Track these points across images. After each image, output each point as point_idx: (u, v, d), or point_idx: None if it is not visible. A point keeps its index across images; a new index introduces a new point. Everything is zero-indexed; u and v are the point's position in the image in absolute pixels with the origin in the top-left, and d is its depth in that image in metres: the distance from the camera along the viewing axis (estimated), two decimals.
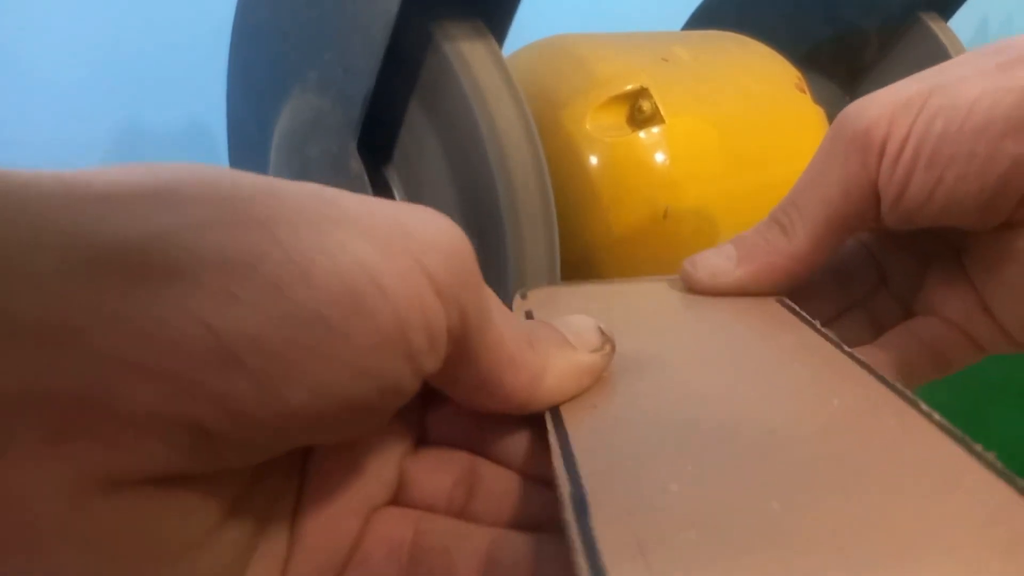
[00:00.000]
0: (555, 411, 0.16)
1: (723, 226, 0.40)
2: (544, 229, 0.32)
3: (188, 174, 0.13)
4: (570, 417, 0.16)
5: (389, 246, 0.13)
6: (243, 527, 0.14)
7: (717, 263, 0.23)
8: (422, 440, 0.18)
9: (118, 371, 0.11)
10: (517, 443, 0.17)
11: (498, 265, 0.32)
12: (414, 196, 0.35)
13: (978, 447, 0.15)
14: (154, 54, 0.58)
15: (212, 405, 0.12)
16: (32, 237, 0.11)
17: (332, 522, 0.15)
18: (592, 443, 0.15)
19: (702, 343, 0.21)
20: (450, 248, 0.14)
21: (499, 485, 0.17)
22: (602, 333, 0.18)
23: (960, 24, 0.53)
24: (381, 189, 0.35)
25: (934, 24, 0.51)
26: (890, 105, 0.21)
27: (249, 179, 0.13)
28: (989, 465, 0.14)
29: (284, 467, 0.15)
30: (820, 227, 0.22)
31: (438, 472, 0.17)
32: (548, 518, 0.16)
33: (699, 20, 0.60)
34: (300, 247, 0.12)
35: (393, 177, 0.36)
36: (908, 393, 0.17)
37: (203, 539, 0.13)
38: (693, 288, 0.24)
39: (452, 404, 0.18)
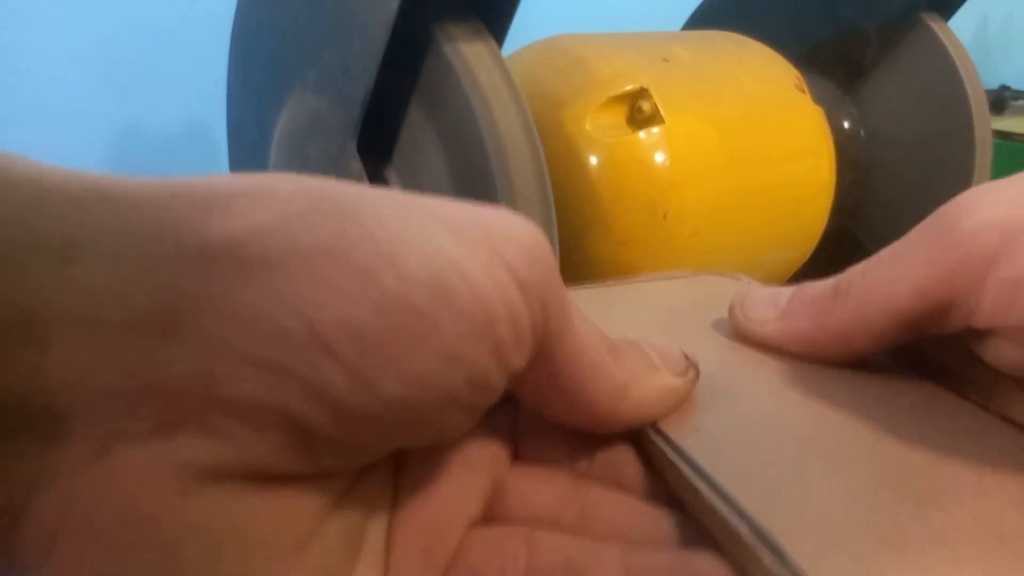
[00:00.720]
0: (663, 435, 0.16)
1: (723, 226, 0.40)
2: (544, 229, 0.32)
3: (279, 177, 0.13)
4: (684, 442, 0.15)
5: (471, 239, 0.13)
6: (343, 532, 0.14)
7: (763, 311, 0.21)
8: (517, 458, 0.17)
9: (221, 360, 0.11)
10: (618, 461, 0.17)
11: None
12: None
13: None
14: (154, 54, 0.58)
15: (308, 396, 0.12)
16: (151, 228, 0.11)
17: (427, 531, 0.15)
18: (725, 470, 0.14)
19: (742, 352, 0.21)
20: (530, 244, 0.14)
21: (609, 503, 0.16)
22: (687, 358, 0.18)
23: (960, 24, 0.53)
24: None
25: (934, 24, 0.51)
26: (1011, 211, 0.16)
27: (334, 181, 0.13)
28: None
29: (379, 475, 0.15)
30: (874, 312, 0.18)
31: (541, 485, 0.17)
32: (670, 535, 0.15)
33: (699, 20, 0.60)
34: (387, 236, 0.12)
35: (393, 177, 0.36)
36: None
37: (303, 541, 0.13)
38: (734, 327, 0.21)
39: (544, 422, 0.17)
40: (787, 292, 0.21)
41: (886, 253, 0.18)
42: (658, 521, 0.16)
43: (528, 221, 0.15)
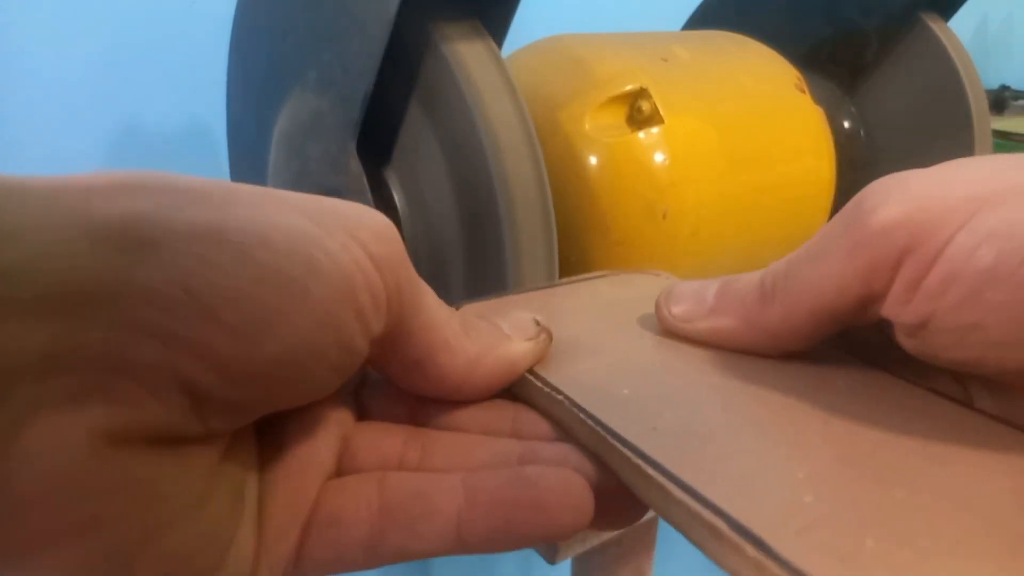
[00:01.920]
0: (620, 437, 0.16)
1: (723, 226, 0.40)
2: (543, 229, 0.32)
3: (149, 173, 0.15)
4: (643, 442, 0.16)
5: (326, 223, 0.15)
6: (229, 490, 0.15)
7: (689, 308, 0.21)
8: (363, 419, 0.19)
9: (121, 331, 0.12)
10: (458, 414, 0.19)
11: (497, 266, 0.32)
12: (413, 196, 0.35)
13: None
14: (154, 54, 0.58)
15: (198, 359, 0.13)
16: (44, 218, 0.12)
17: (290, 486, 0.16)
18: (689, 466, 0.15)
19: (673, 347, 0.21)
20: (379, 228, 0.16)
21: (452, 440, 0.18)
22: (537, 323, 0.20)
23: (960, 24, 0.52)
24: (380, 189, 0.35)
25: (934, 24, 0.51)
26: (920, 206, 0.16)
27: (202, 179, 0.15)
28: None
29: (247, 440, 0.16)
30: (801, 313, 0.18)
31: (385, 435, 0.18)
32: (508, 459, 0.17)
33: (699, 20, 0.60)
34: (256, 220, 0.14)
35: (392, 177, 0.36)
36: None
37: (202, 498, 0.14)
38: (660, 324, 0.21)
39: (388, 386, 0.19)
40: (713, 287, 0.21)
41: (806, 251, 0.18)
42: (495, 448, 0.17)
43: (377, 211, 0.17)
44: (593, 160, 0.37)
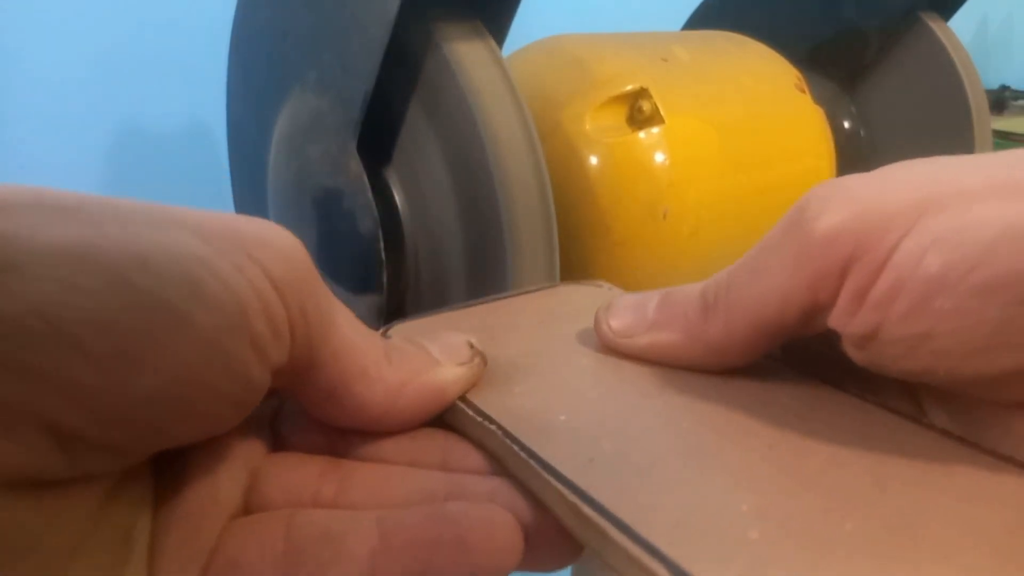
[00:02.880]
0: (549, 466, 0.15)
1: (723, 226, 0.40)
2: (543, 229, 0.32)
3: (16, 189, 0.13)
4: (579, 477, 0.15)
5: (221, 243, 0.14)
6: (112, 535, 0.14)
7: (629, 323, 0.20)
8: (277, 449, 0.18)
9: None
10: (383, 444, 0.17)
11: (498, 265, 0.32)
12: (413, 196, 0.35)
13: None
14: (154, 54, 0.58)
15: (58, 395, 0.12)
16: None
17: (187, 526, 0.15)
18: (624, 500, 0.14)
19: (612, 363, 0.20)
20: (284, 247, 0.15)
21: (373, 472, 0.17)
22: (471, 346, 0.18)
23: (960, 24, 0.53)
24: (380, 189, 0.35)
25: (934, 24, 0.51)
26: (863, 212, 0.15)
27: (79, 194, 0.13)
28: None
29: (142, 475, 0.15)
30: (744, 327, 0.17)
31: (300, 467, 0.17)
32: (431, 494, 0.16)
33: (699, 20, 0.60)
34: (134, 239, 0.13)
35: (392, 177, 0.36)
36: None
37: (75, 546, 0.13)
38: (599, 340, 0.20)
39: (305, 415, 0.17)
40: (654, 299, 0.20)
41: (747, 262, 0.17)
42: (419, 482, 0.16)
43: (283, 229, 0.15)
44: (593, 160, 0.37)
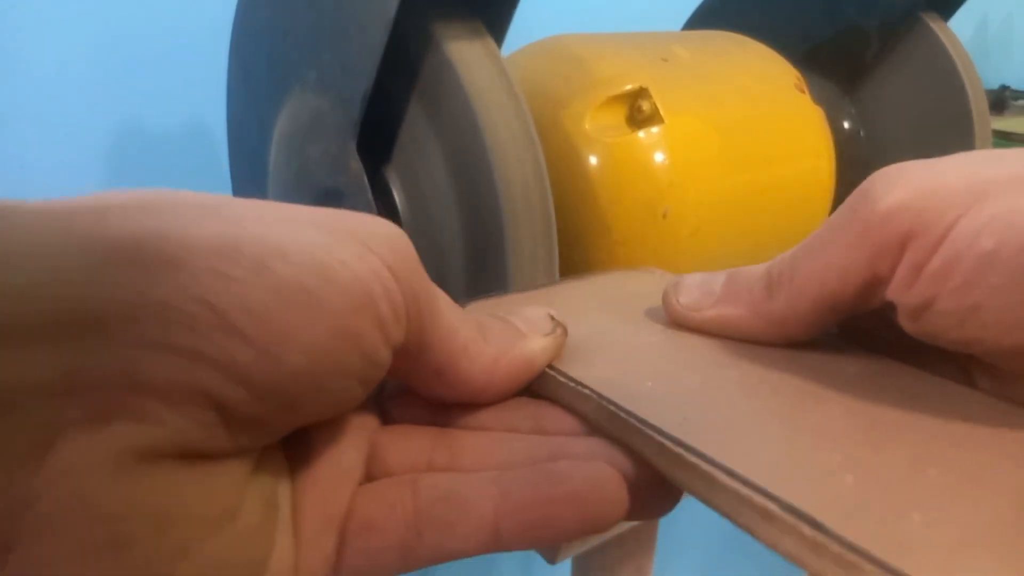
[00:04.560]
0: (651, 425, 0.16)
1: (723, 226, 0.40)
2: (543, 229, 0.32)
3: (159, 192, 0.15)
4: (670, 426, 0.16)
5: (340, 235, 0.15)
6: (261, 502, 0.15)
7: (696, 298, 0.21)
8: (386, 423, 0.19)
9: (140, 351, 0.12)
10: (481, 414, 0.19)
11: (498, 265, 0.32)
12: (413, 196, 0.35)
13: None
14: (154, 54, 0.58)
15: (222, 374, 0.13)
16: (60, 239, 0.12)
17: (323, 494, 0.16)
18: (721, 446, 0.15)
19: (683, 336, 0.21)
20: (392, 238, 0.16)
21: (480, 439, 0.18)
22: (552, 319, 0.20)
23: (960, 24, 0.52)
24: (381, 189, 0.35)
25: (934, 24, 0.51)
26: (924, 193, 0.16)
27: (210, 195, 0.15)
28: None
29: (276, 451, 0.16)
30: (806, 302, 0.19)
31: (412, 438, 0.18)
32: (535, 457, 0.17)
33: (699, 20, 0.60)
34: (270, 234, 0.14)
35: (393, 177, 0.36)
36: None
37: (233, 511, 0.14)
38: (668, 314, 0.22)
39: (410, 391, 0.19)
40: (720, 277, 0.21)
41: (812, 240, 0.19)
42: (524, 446, 0.17)
43: (388, 222, 0.17)
44: (593, 160, 0.37)
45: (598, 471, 0.16)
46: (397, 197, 0.35)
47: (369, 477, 0.17)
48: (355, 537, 0.16)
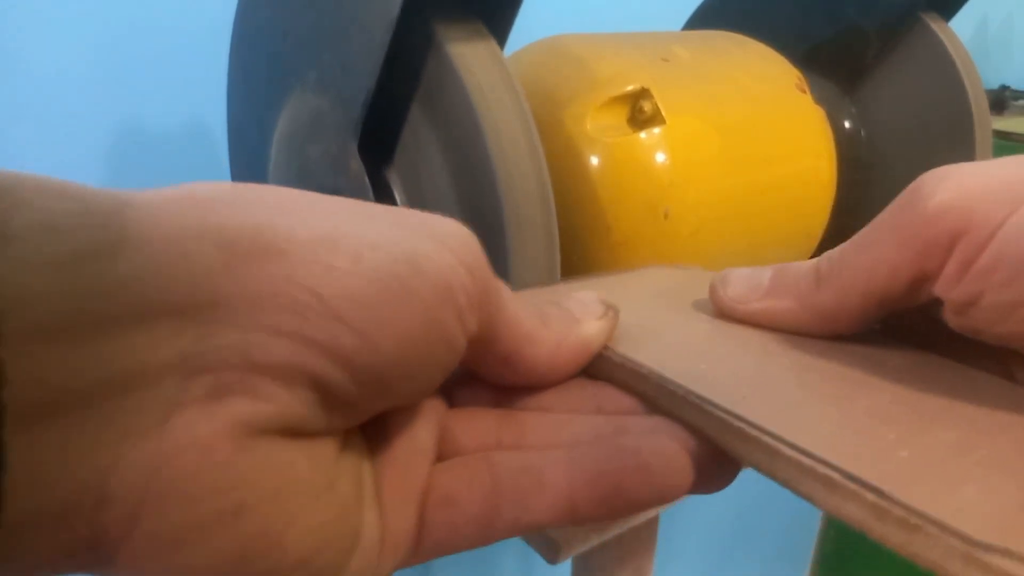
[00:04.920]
0: (711, 402, 0.17)
1: (724, 226, 0.40)
2: (544, 230, 0.32)
3: (236, 187, 0.15)
4: (701, 388, 0.17)
5: (419, 233, 0.16)
6: (351, 477, 0.16)
7: (744, 291, 0.22)
8: (452, 406, 0.20)
9: (253, 333, 0.13)
10: (542, 396, 0.19)
11: (499, 266, 0.32)
12: (414, 197, 0.35)
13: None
14: (154, 54, 0.58)
15: (327, 358, 0.14)
16: (177, 229, 0.13)
17: (401, 472, 0.17)
18: (762, 414, 0.16)
19: (730, 326, 0.22)
20: (463, 235, 0.17)
21: (544, 420, 0.19)
22: (603, 302, 0.20)
23: (960, 24, 0.53)
24: (381, 190, 0.35)
25: (935, 24, 0.51)
26: (974, 190, 0.17)
27: (298, 191, 0.16)
28: None
29: (356, 435, 0.17)
30: (854, 296, 0.19)
31: (478, 419, 0.19)
32: (602, 433, 0.18)
33: (699, 20, 0.60)
34: (360, 228, 0.15)
35: (394, 178, 0.36)
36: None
37: (331, 481, 0.15)
38: (715, 306, 0.23)
39: (470, 376, 0.20)
40: (767, 272, 0.22)
41: (861, 237, 0.19)
42: (588, 424, 0.18)
43: (455, 221, 0.17)
44: (594, 160, 0.37)
45: (664, 444, 0.16)
46: (398, 198, 0.35)
47: (441, 457, 0.18)
48: (435, 511, 0.17)
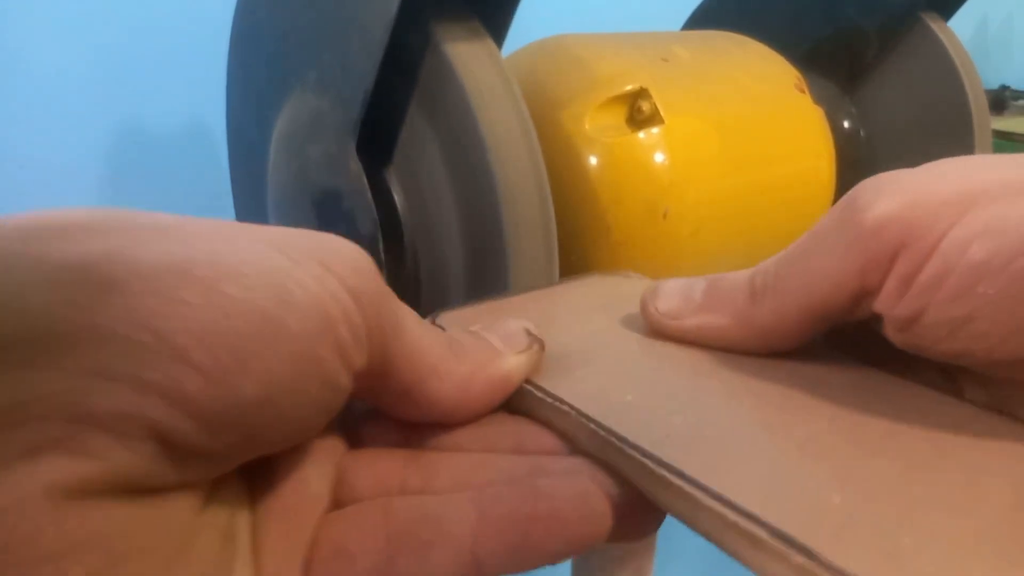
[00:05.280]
0: (631, 444, 0.16)
1: (723, 226, 0.40)
2: (543, 230, 0.32)
3: (107, 212, 0.14)
4: (658, 448, 0.15)
5: (299, 256, 0.14)
6: (217, 533, 0.14)
7: (675, 305, 0.20)
8: (354, 447, 0.18)
9: (83, 379, 0.12)
10: (457, 434, 0.18)
11: (498, 266, 0.32)
12: (413, 197, 0.35)
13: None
14: (154, 54, 0.58)
15: (169, 404, 0.12)
16: (4, 257, 0.12)
17: (286, 523, 0.15)
18: (685, 456, 0.15)
19: (661, 346, 0.21)
20: (354, 258, 0.15)
21: (456, 460, 0.17)
22: (529, 333, 0.19)
23: (960, 24, 0.52)
24: (380, 191, 0.35)
25: (934, 24, 0.51)
26: (913, 203, 0.16)
27: (163, 214, 0.14)
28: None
29: (234, 478, 0.15)
30: (793, 311, 0.18)
31: (382, 460, 0.17)
32: (513, 476, 0.16)
33: (699, 20, 0.60)
34: (224, 254, 0.13)
35: (392, 178, 0.36)
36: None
37: (185, 545, 0.13)
38: (646, 321, 0.21)
39: (380, 413, 0.18)
40: (699, 285, 0.21)
41: (797, 248, 0.18)
42: (502, 465, 0.17)
43: (348, 241, 0.16)
44: (593, 160, 0.37)
45: (581, 487, 0.15)
46: (396, 198, 0.35)
47: (337, 504, 0.17)
48: (325, 565, 0.15)
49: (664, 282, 0.21)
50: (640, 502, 0.15)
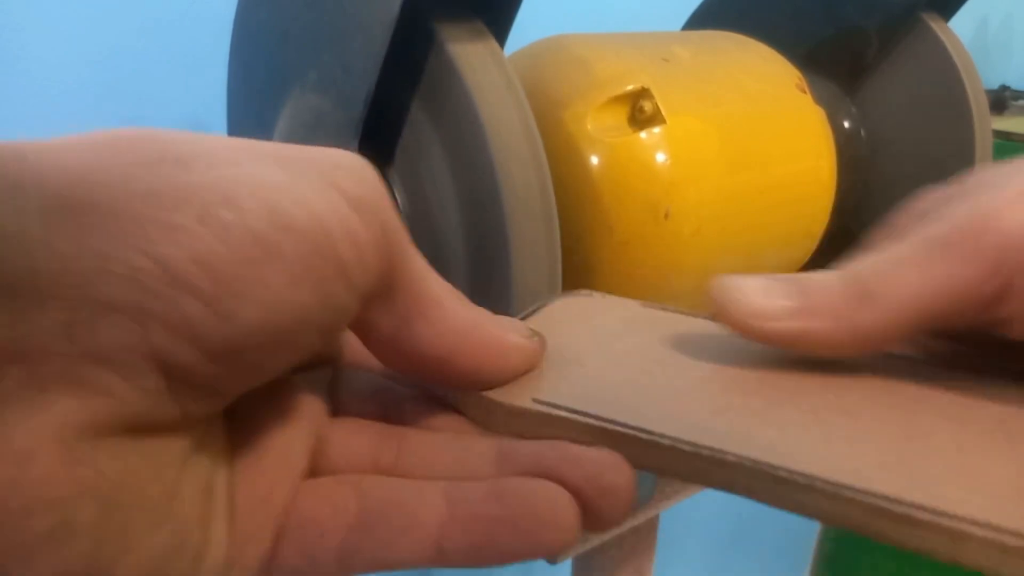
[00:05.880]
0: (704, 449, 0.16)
1: (725, 226, 0.40)
2: (546, 230, 0.32)
3: (104, 133, 0.13)
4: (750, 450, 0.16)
5: (299, 169, 0.14)
6: (199, 484, 0.14)
7: (768, 304, 0.18)
8: (335, 414, 0.18)
9: (81, 310, 0.11)
10: (428, 410, 0.18)
11: (500, 266, 0.32)
12: (416, 197, 0.35)
13: None
14: (154, 54, 0.58)
15: (172, 333, 0.12)
16: None
17: (264, 487, 0.15)
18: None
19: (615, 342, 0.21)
20: (357, 168, 0.15)
21: (427, 439, 0.17)
22: (529, 328, 0.19)
23: (960, 24, 0.53)
24: None
25: (934, 24, 0.51)
26: None
27: (165, 132, 0.14)
28: None
29: (216, 433, 0.15)
30: (908, 317, 0.17)
31: (358, 433, 0.17)
32: (486, 466, 0.16)
33: (699, 20, 0.60)
34: (218, 177, 0.13)
35: (395, 178, 0.36)
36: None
37: (173, 491, 0.13)
38: (722, 318, 0.19)
39: (363, 381, 0.18)
40: (782, 286, 0.19)
41: (909, 252, 0.17)
42: (473, 452, 0.16)
43: (351, 153, 0.15)
44: (595, 160, 0.37)
45: (553, 494, 0.15)
46: (399, 198, 0.35)
47: (313, 472, 0.16)
48: (295, 535, 0.15)
49: (737, 278, 0.19)
50: (610, 491, 0.15)
